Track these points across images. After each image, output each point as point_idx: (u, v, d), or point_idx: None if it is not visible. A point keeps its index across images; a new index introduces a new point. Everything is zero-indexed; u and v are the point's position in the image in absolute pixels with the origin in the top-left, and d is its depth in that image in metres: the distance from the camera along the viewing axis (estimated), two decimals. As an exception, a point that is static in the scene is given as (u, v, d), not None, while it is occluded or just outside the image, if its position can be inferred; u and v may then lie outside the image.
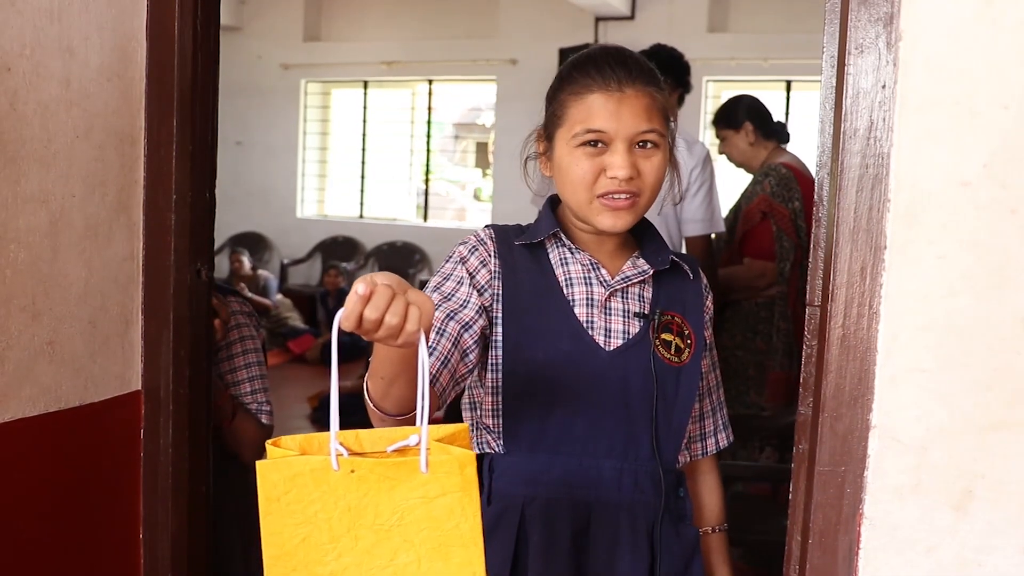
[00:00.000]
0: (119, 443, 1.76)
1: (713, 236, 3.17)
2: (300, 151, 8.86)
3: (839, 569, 1.15)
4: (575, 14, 7.24)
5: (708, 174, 3.07)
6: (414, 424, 0.96)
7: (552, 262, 1.38)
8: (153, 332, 1.77)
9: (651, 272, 1.39)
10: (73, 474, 1.67)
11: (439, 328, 1.24)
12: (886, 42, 1.10)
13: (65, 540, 1.67)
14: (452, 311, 1.28)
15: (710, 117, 3.91)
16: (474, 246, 1.36)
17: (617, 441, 1.34)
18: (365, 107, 8.85)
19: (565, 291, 1.36)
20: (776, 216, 3.27)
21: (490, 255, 1.36)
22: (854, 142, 1.12)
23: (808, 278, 1.23)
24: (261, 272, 8.02)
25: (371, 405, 1.15)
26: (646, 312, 1.37)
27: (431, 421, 0.93)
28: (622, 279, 1.38)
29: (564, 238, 1.39)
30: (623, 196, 1.31)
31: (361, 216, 8.92)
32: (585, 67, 1.33)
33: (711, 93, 7.10)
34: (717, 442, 1.52)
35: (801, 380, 1.22)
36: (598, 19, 7.29)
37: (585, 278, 1.37)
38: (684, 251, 3.03)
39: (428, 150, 8.80)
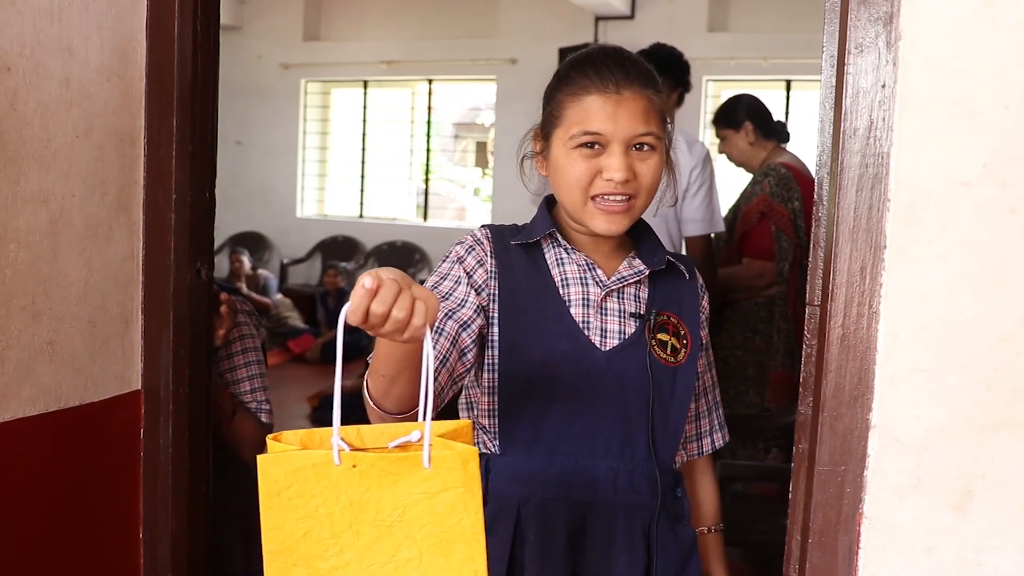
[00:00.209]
0: (119, 443, 1.76)
1: (713, 236, 3.17)
2: (300, 151, 8.86)
3: (839, 569, 1.15)
4: (575, 14, 7.24)
5: (708, 174, 3.07)
6: (414, 422, 0.96)
7: (548, 262, 1.38)
8: (153, 332, 1.77)
9: (647, 272, 1.39)
10: (73, 474, 1.67)
11: (437, 327, 1.24)
12: (886, 41, 1.10)
13: (65, 540, 1.67)
14: (450, 310, 1.28)
15: (710, 117, 3.91)
16: (471, 246, 1.36)
17: (613, 441, 1.34)
18: (365, 107, 8.85)
19: (561, 291, 1.36)
20: (775, 216, 3.27)
21: (487, 255, 1.36)
22: (854, 142, 1.12)
23: (808, 277, 1.23)
24: (261, 272, 8.02)
25: (371, 403, 1.15)
26: (642, 312, 1.37)
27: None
28: (618, 279, 1.38)
29: (560, 238, 1.39)
30: (618, 198, 1.31)
31: (361, 216, 8.92)
32: (583, 68, 1.33)
33: (711, 93, 7.10)
34: (713, 442, 1.52)
35: (801, 380, 1.22)
36: (598, 18, 7.29)
37: (581, 278, 1.37)
38: (684, 251, 3.04)
39: (428, 150, 8.80)
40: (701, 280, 1.48)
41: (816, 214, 1.20)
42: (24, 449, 1.57)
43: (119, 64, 1.69)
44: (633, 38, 5.28)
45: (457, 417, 1.42)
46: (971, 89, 1.07)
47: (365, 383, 1.15)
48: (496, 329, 1.33)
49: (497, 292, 1.34)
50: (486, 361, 1.34)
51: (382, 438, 0.96)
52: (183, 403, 1.78)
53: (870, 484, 1.13)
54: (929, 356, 1.10)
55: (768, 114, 3.48)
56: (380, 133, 8.98)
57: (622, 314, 1.37)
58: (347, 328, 0.92)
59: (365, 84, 8.80)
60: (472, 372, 1.34)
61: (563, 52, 6.17)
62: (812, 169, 1.87)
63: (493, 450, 1.36)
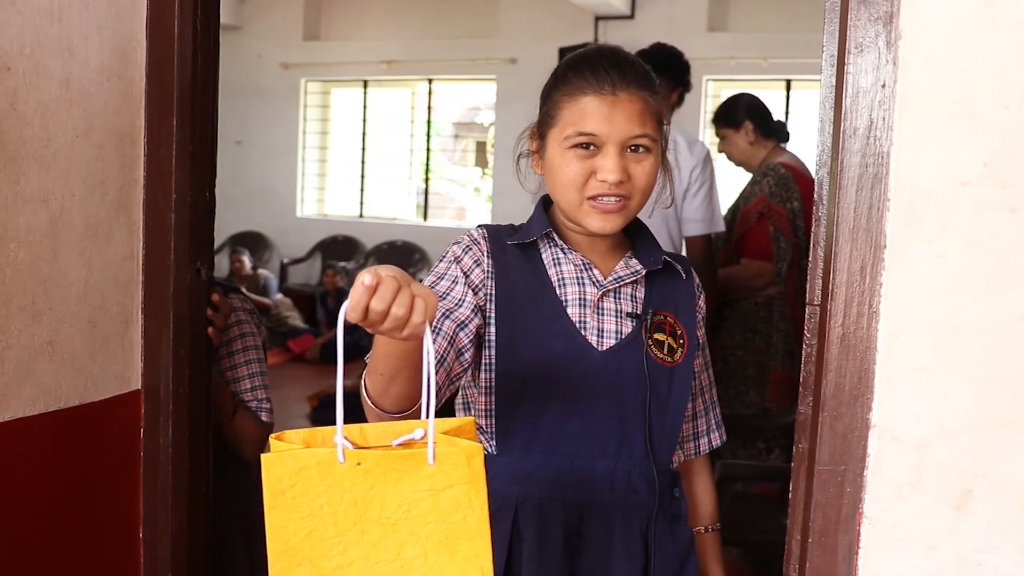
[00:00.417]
0: (119, 443, 1.76)
1: (713, 236, 3.16)
2: (300, 150, 8.86)
3: (839, 568, 1.15)
4: (575, 13, 7.24)
5: (708, 174, 3.07)
6: (414, 420, 0.96)
7: (545, 262, 1.38)
8: (153, 331, 1.77)
9: (643, 272, 1.39)
10: (73, 474, 1.67)
11: (435, 327, 1.24)
12: (886, 41, 1.10)
13: (65, 540, 1.67)
14: (448, 310, 1.28)
15: (710, 116, 3.91)
16: (468, 246, 1.37)
17: (610, 441, 1.34)
18: (365, 106, 8.85)
19: (558, 291, 1.36)
20: (773, 216, 3.27)
21: (483, 255, 1.36)
22: (854, 141, 1.12)
23: (808, 277, 1.23)
24: (261, 271, 8.03)
25: (369, 403, 1.15)
26: (638, 312, 1.37)
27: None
28: (614, 279, 1.38)
29: (557, 238, 1.39)
30: (613, 199, 1.31)
31: (361, 215, 8.92)
32: (580, 68, 1.33)
33: (711, 92, 7.10)
34: (710, 441, 1.52)
35: (801, 379, 1.22)
36: (598, 18, 7.29)
37: (578, 278, 1.37)
38: (684, 251, 3.04)
39: (428, 149, 8.80)
40: (697, 279, 1.48)
41: (816, 213, 1.20)
42: (24, 449, 1.57)
43: (119, 64, 1.69)
44: (633, 38, 5.28)
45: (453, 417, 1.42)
46: (971, 89, 1.07)
47: (363, 382, 1.15)
48: (493, 329, 1.33)
49: (494, 292, 1.34)
50: (483, 361, 1.34)
51: (385, 436, 0.96)
52: (183, 403, 1.78)
53: (870, 484, 1.13)
54: (929, 356, 1.10)
55: (768, 113, 3.48)
56: (380, 133, 8.98)
57: (619, 314, 1.37)
58: (347, 326, 0.92)
59: (365, 84, 8.80)
60: (469, 372, 1.34)
61: (563, 52, 6.16)
62: (812, 169, 1.87)
63: (490, 450, 1.36)
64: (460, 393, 1.41)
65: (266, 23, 8.77)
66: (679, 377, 1.37)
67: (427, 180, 8.94)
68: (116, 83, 1.69)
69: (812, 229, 1.21)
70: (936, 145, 1.09)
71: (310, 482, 0.92)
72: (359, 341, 4.72)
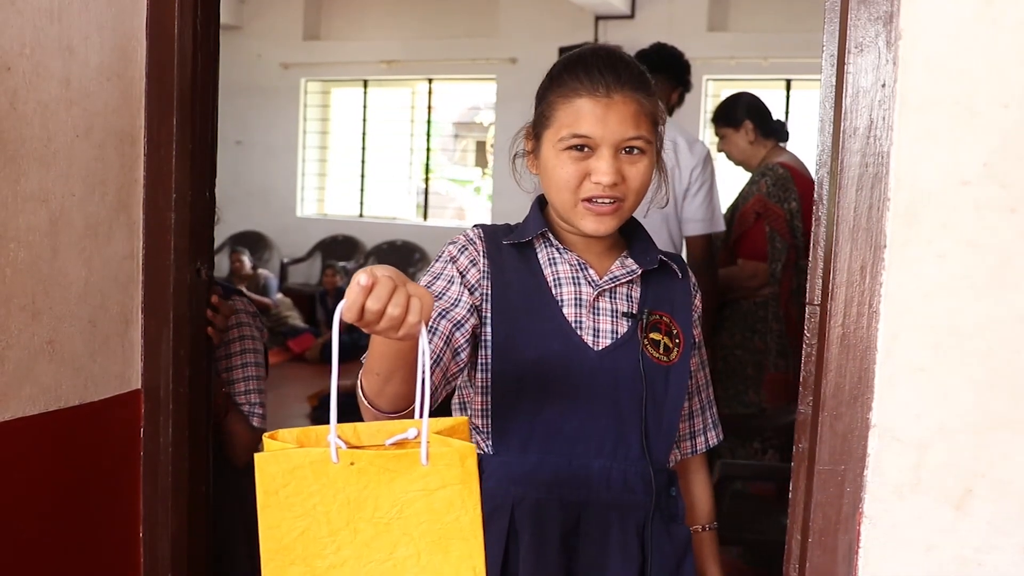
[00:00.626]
0: (119, 442, 1.76)
1: (713, 235, 3.16)
2: (300, 150, 8.86)
3: (839, 568, 1.15)
4: (575, 13, 7.24)
5: (709, 173, 3.07)
6: (410, 419, 0.96)
7: (540, 262, 1.38)
8: (153, 331, 1.77)
9: (639, 272, 1.39)
10: (73, 474, 1.67)
11: (431, 326, 1.24)
12: (886, 41, 1.10)
13: (65, 540, 1.67)
14: (444, 309, 1.28)
15: (710, 116, 3.91)
16: (463, 246, 1.37)
17: (607, 441, 1.34)
18: (365, 106, 8.85)
19: (553, 291, 1.36)
20: (770, 217, 3.27)
21: (479, 255, 1.36)
22: (854, 141, 1.12)
23: (808, 277, 1.23)
24: (261, 271, 8.03)
25: (365, 402, 1.15)
26: (634, 312, 1.37)
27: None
28: (610, 279, 1.38)
29: (552, 238, 1.39)
30: (607, 201, 1.31)
31: (361, 215, 8.92)
32: (575, 70, 1.33)
33: (711, 92, 7.10)
34: (707, 440, 1.52)
35: (801, 379, 1.22)
36: (598, 18, 7.29)
37: (573, 278, 1.37)
38: (684, 251, 3.04)
39: (428, 149, 8.80)
40: (693, 278, 1.48)
41: (816, 213, 1.20)
42: (24, 449, 1.57)
43: (119, 64, 1.69)
44: (633, 38, 5.28)
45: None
46: (971, 89, 1.07)
47: (359, 382, 1.15)
48: (489, 329, 1.33)
49: (490, 292, 1.34)
50: (479, 361, 1.34)
51: (379, 435, 0.96)
52: (183, 403, 1.78)
53: (870, 483, 1.13)
54: (929, 356, 1.10)
55: (768, 113, 3.48)
56: (380, 133, 8.98)
57: (614, 314, 1.37)
58: (344, 326, 0.92)
59: (365, 84, 8.80)
60: (465, 372, 1.34)
61: (563, 51, 6.16)
62: (812, 169, 1.87)
63: (486, 450, 1.36)
64: (456, 393, 1.41)
65: (266, 23, 8.77)
66: (675, 376, 1.37)
67: (427, 180, 8.94)
68: (116, 83, 1.69)
69: (812, 229, 1.21)
70: (936, 145, 1.09)
71: (303, 481, 0.92)
72: (359, 340, 4.71)
